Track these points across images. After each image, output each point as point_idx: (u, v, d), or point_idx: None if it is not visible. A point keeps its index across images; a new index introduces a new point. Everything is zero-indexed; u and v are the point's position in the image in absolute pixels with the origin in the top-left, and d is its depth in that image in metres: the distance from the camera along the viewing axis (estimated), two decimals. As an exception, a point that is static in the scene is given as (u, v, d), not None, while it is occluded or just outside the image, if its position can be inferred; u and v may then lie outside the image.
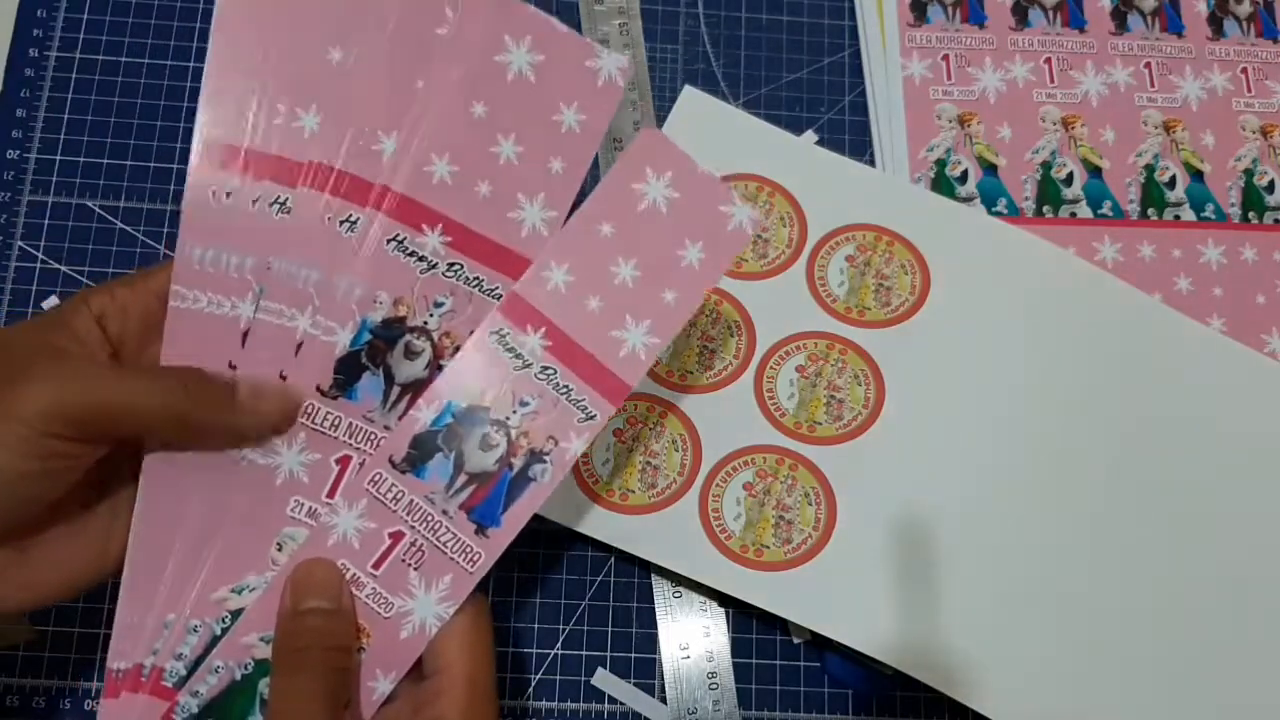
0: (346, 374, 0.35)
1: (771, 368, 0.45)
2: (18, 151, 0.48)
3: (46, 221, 0.47)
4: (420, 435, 0.34)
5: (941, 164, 0.50)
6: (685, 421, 0.44)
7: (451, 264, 0.36)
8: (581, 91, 0.36)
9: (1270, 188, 0.51)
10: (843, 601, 0.42)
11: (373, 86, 0.36)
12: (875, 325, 0.46)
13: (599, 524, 0.43)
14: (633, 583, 0.44)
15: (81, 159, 0.48)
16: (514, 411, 0.35)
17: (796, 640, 0.44)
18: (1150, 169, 0.50)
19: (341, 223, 0.35)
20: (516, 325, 0.35)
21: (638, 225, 0.36)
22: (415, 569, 0.34)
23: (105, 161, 0.48)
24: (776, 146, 0.49)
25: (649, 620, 0.44)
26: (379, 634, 0.34)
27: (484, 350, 0.35)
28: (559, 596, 0.44)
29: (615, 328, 0.35)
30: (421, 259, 0.35)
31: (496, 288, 0.36)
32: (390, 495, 0.34)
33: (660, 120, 0.49)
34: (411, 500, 0.34)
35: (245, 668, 0.33)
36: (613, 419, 0.44)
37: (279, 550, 0.34)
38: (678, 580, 0.44)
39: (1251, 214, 0.50)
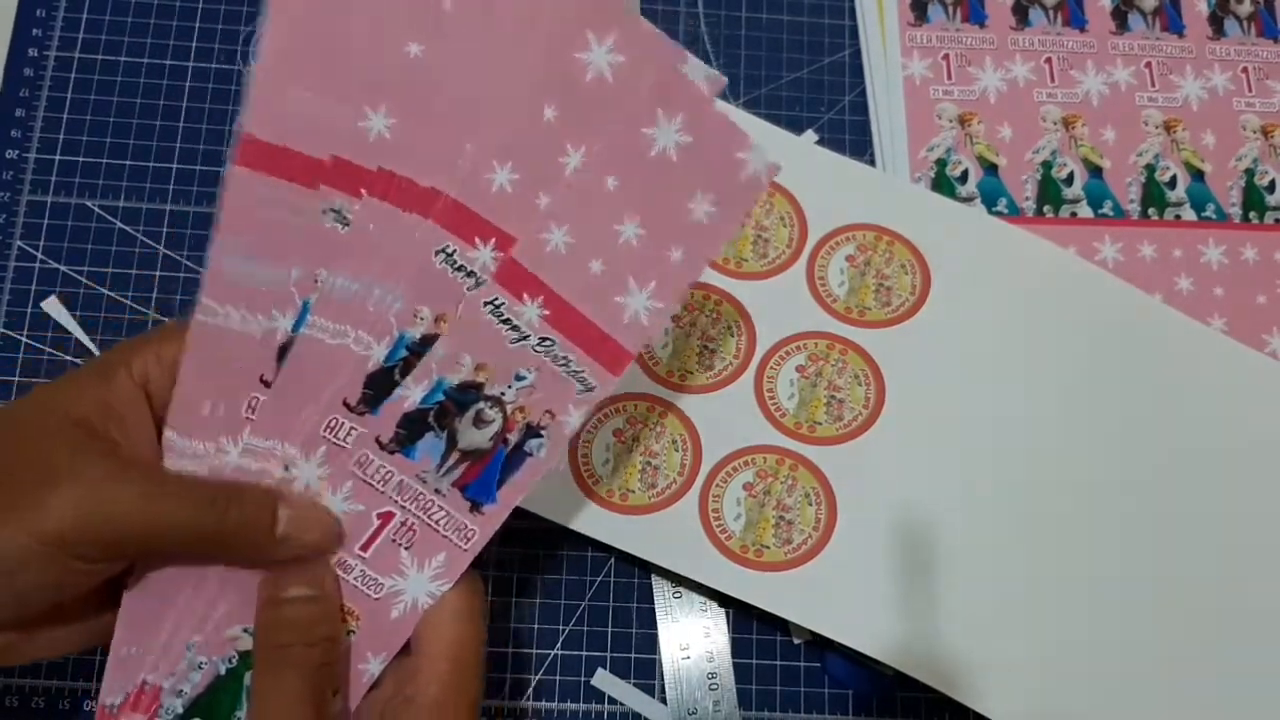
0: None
1: (772, 368, 0.45)
2: (17, 151, 0.48)
3: (46, 221, 0.47)
4: (410, 414, 0.32)
5: (942, 164, 0.50)
6: (685, 421, 0.44)
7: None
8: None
9: (1271, 187, 0.51)
10: (843, 602, 0.42)
11: (449, 84, 0.32)
12: (875, 325, 0.46)
13: (599, 524, 0.42)
14: (633, 583, 0.44)
15: (81, 159, 0.48)
16: (510, 386, 0.33)
17: (796, 640, 0.44)
18: (1151, 169, 0.50)
19: (401, 235, 0.32)
20: (513, 294, 0.32)
21: (646, 176, 0.32)
22: (406, 548, 0.33)
23: (105, 161, 0.48)
24: (776, 146, 0.48)
25: (649, 621, 0.44)
26: (368, 615, 0.33)
27: (478, 324, 0.32)
28: (559, 597, 0.44)
29: (618, 292, 0.32)
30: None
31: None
32: (378, 477, 0.33)
33: (660, 120, 0.49)
34: (401, 480, 0.33)
35: (230, 661, 0.32)
36: (616, 419, 0.44)
37: None
38: (678, 580, 0.44)
39: (1252, 214, 0.50)
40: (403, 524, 0.33)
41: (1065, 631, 0.42)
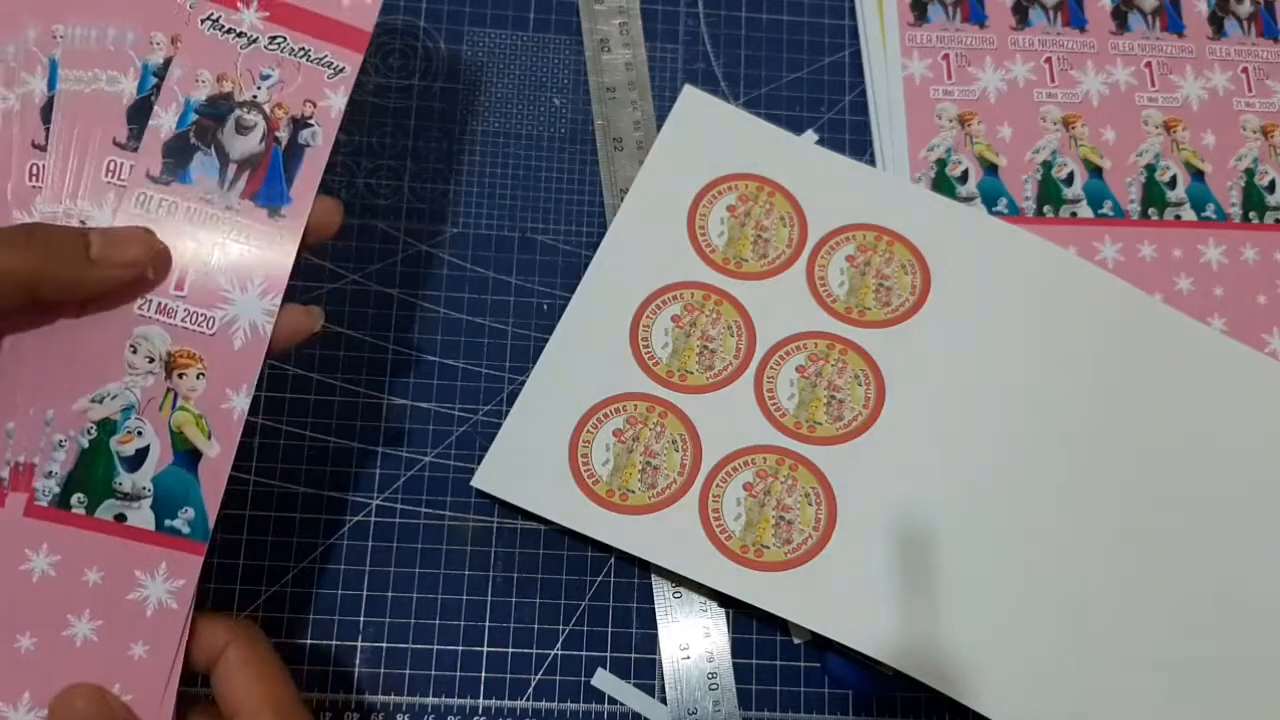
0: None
1: (771, 368, 0.45)
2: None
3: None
4: (170, 142, 0.33)
5: (942, 164, 0.50)
6: (685, 421, 0.44)
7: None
8: None
9: (1271, 187, 0.51)
10: (843, 601, 0.42)
11: None
12: (875, 325, 0.46)
13: (599, 524, 0.43)
14: (633, 583, 0.44)
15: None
16: (258, 88, 0.34)
17: (796, 640, 0.44)
18: (1151, 169, 0.50)
19: None
20: (225, 5, 0.34)
21: None
22: (222, 275, 0.33)
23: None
24: (776, 146, 0.49)
25: (649, 621, 0.44)
26: (212, 353, 0.33)
27: (203, 40, 0.34)
28: (559, 596, 0.44)
29: None
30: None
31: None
32: (164, 210, 0.33)
33: (660, 120, 0.49)
34: (188, 208, 0.33)
35: (89, 434, 0.32)
36: (616, 419, 0.44)
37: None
38: (678, 580, 0.44)
39: (1252, 214, 0.50)
40: (210, 251, 0.33)
41: (1064, 631, 0.42)
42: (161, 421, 0.33)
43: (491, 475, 0.43)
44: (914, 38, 0.52)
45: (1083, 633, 0.42)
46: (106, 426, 0.32)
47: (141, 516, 0.32)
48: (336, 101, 0.34)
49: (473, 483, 0.44)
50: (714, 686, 0.43)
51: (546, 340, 0.45)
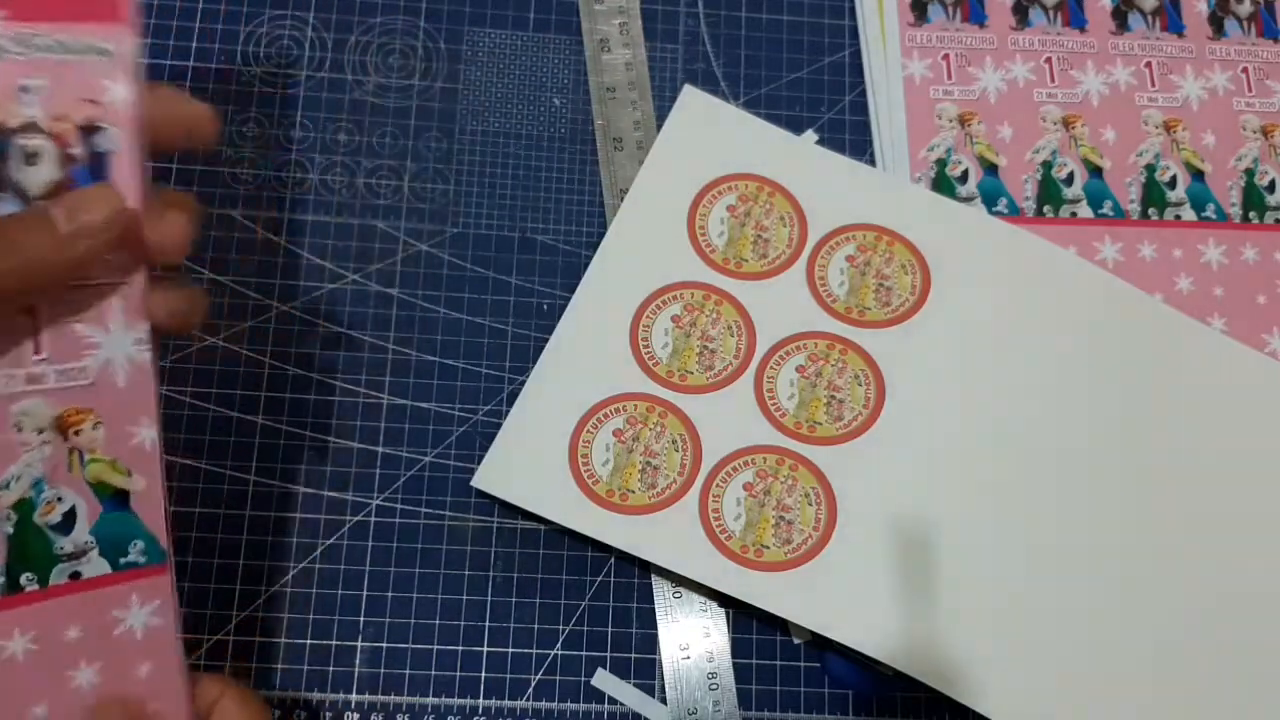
0: None
1: (771, 368, 0.45)
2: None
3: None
4: None
5: (942, 164, 0.50)
6: (685, 421, 0.44)
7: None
8: None
9: (1271, 187, 0.51)
10: (843, 602, 0.42)
11: None
12: (875, 325, 0.46)
13: (599, 524, 0.43)
14: (633, 583, 0.44)
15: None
16: (25, 105, 0.30)
17: (796, 640, 0.44)
18: (1151, 169, 0.50)
19: None
20: None
21: None
22: (78, 321, 0.31)
23: (105, 161, 0.48)
24: (776, 146, 0.49)
25: (649, 621, 0.44)
26: (101, 400, 0.31)
27: None
28: (559, 596, 0.44)
29: None
30: None
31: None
32: None
33: (660, 120, 0.49)
34: None
35: (9, 519, 0.31)
36: (616, 419, 0.44)
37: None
38: (678, 580, 0.44)
39: (1252, 214, 0.50)
40: (52, 303, 0.30)
41: (1065, 632, 0.42)
42: (76, 480, 0.31)
43: (491, 475, 0.44)
44: (914, 38, 0.52)
45: (1083, 632, 0.42)
46: (23, 506, 0.31)
47: (95, 567, 0.32)
48: (120, 91, 0.30)
49: (473, 483, 0.44)
50: (714, 686, 0.43)
51: (546, 340, 0.45)
